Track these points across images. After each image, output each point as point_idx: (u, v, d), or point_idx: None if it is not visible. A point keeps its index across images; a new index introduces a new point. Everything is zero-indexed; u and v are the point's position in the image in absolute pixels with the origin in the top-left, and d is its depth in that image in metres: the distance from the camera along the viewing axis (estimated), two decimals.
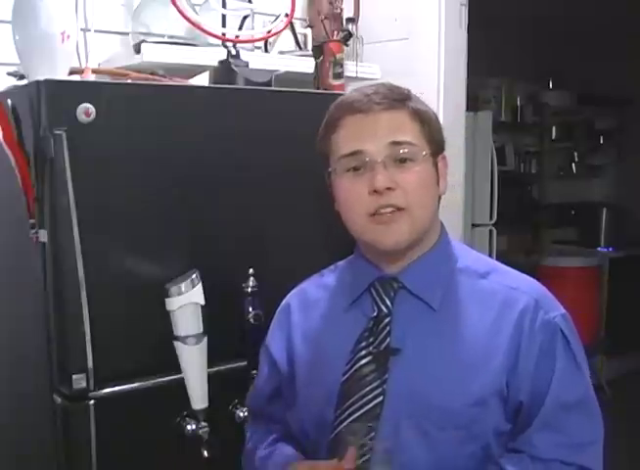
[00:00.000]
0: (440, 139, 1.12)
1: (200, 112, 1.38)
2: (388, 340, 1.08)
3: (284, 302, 1.22)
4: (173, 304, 1.30)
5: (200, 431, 1.35)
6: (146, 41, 1.73)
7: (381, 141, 1.05)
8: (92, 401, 1.27)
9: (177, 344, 1.31)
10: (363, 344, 1.09)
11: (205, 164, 1.39)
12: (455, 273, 1.11)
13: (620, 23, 4.05)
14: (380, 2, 2.21)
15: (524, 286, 1.09)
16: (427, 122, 1.09)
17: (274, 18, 1.76)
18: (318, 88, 1.84)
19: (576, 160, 4.98)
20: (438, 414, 1.03)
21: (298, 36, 2.05)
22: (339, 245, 1.20)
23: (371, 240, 1.08)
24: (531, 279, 1.12)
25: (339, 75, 1.88)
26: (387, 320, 1.09)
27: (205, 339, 1.32)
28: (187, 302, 1.30)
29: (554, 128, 4.83)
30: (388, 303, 1.10)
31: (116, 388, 1.30)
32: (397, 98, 1.08)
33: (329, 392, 1.08)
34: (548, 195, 4.90)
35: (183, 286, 1.29)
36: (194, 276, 1.30)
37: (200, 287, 1.30)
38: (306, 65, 1.89)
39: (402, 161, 1.06)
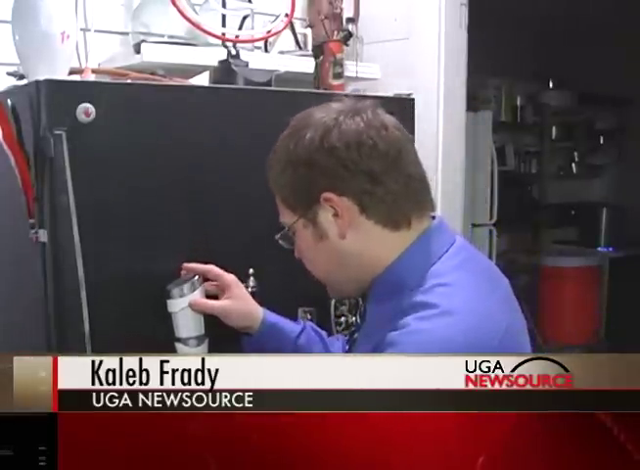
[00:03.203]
0: (301, 188, 1.02)
1: (200, 112, 1.38)
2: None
3: None
4: (175, 305, 1.28)
5: None
6: (146, 41, 1.73)
7: None
8: None
9: (178, 345, 1.30)
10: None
11: (206, 163, 1.39)
12: (404, 309, 0.98)
13: (621, 22, 4.05)
14: (380, 2, 2.21)
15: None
16: (278, 188, 1.06)
17: (274, 18, 1.76)
18: (318, 88, 1.84)
19: (576, 160, 4.98)
20: None
21: (298, 36, 2.05)
22: None
23: None
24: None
25: (339, 75, 1.88)
26: (355, 336, 1.13)
27: (207, 341, 1.31)
28: (189, 303, 1.29)
29: (554, 128, 4.83)
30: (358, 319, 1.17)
31: None
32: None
33: None
34: (548, 195, 4.90)
35: (185, 288, 1.28)
36: (196, 278, 1.30)
37: (202, 288, 1.30)
38: (306, 65, 1.89)
39: None
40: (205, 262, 1.32)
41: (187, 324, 1.29)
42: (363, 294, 1.09)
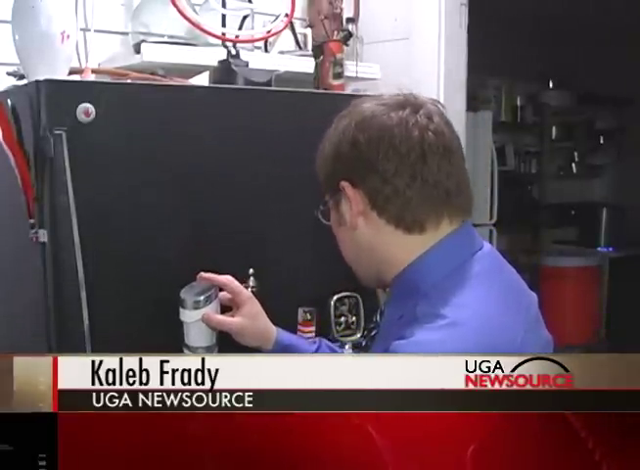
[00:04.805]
0: (329, 172, 1.05)
1: (200, 112, 1.38)
2: None
3: None
4: (188, 316, 1.24)
5: None
6: (146, 41, 1.73)
7: None
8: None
9: (187, 351, 1.27)
10: None
11: (206, 163, 1.39)
12: (416, 316, 0.97)
13: (621, 22, 4.05)
14: (380, 2, 2.21)
15: None
16: (317, 166, 1.08)
17: (274, 18, 1.76)
18: (318, 88, 1.84)
19: (576, 160, 4.99)
20: None
21: (298, 36, 2.05)
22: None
23: None
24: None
25: (339, 75, 1.88)
26: (373, 333, 1.15)
27: (217, 350, 1.28)
28: (202, 317, 1.24)
29: (554, 128, 4.83)
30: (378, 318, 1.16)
31: None
32: None
33: None
34: (548, 195, 4.90)
35: (201, 301, 1.23)
36: (212, 290, 1.25)
37: (217, 301, 1.25)
38: (306, 65, 1.89)
39: None
40: (205, 262, 1.32)
41: (198, 335, 1.25)
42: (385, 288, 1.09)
